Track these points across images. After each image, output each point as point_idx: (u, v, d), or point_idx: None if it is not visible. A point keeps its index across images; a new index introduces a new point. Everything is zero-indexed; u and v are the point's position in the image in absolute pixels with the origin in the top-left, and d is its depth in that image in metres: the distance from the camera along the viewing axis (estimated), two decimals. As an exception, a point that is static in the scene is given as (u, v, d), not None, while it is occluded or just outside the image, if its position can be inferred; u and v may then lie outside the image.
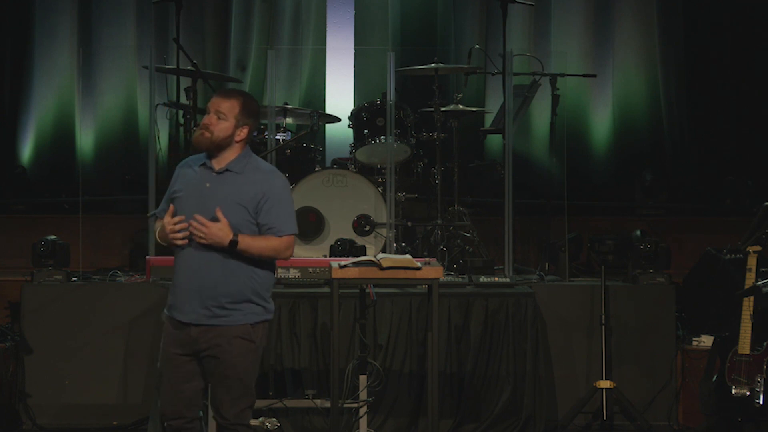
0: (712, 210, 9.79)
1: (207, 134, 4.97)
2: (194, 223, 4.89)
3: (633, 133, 10.44)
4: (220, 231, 4.88)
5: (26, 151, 10.36)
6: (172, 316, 4.99)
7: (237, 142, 5.01)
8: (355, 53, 10.11)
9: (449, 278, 7.37)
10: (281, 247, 5.00)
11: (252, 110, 5.05)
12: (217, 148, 4.99)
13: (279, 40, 10.31)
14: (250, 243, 4.92)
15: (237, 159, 5.02)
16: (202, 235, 4.88)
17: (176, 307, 4.97)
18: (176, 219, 4.92)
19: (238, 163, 5.01)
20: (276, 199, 5.00)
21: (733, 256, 7.44)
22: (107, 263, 8.45)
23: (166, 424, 5.04)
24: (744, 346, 6.48)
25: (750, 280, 6.52)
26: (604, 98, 10.43)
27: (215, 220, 4.89)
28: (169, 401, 5.01)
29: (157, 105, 8.08)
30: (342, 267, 5.89)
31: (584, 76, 9.57)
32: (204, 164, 5.02)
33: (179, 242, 4.92)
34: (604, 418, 7.18)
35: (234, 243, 4.88)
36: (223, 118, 4.98)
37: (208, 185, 4.98)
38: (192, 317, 4.94)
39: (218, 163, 5.00)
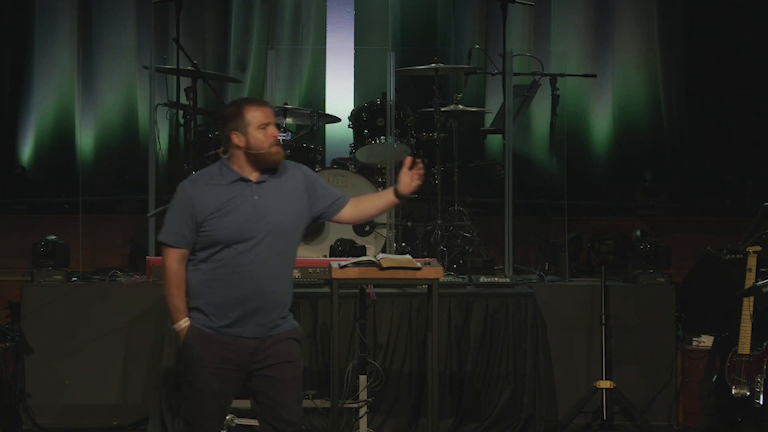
0: (712, 210, 9.78)
1: (281, 149, 4.83)
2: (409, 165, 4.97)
3: (633, 133, 10.44)
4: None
5: (26, 151, 10.36)
6: (222, 333, 4.71)
7: None
8: (355, 53, 10.10)
9: (449, 278, 7.37)
10: None
11: None
12: None
13: (279, 40, 10.31)
14: None
15: None
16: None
17: (235, 323, 4.71)
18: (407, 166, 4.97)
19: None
20: (316, 176, 4.96)
21: (733, 256, 7.44)
22: (107, 263, 8.43)
23: None
24: (744, 346, 6.48)
25: (750, 280, 6.52)
26: (604, 98, 10.43)
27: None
28: (209, 415, 4.77)
29: (157, 105, 8.08)
30: (342, 267, 5.89)
31: (584, 76, 9.57)
32: (237, 181, 4.76)
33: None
34: (604, 418, 7.19)
35: None
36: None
37: (256, 197, 4.75)
38: (257, 331, 4.74)
39: (255, 174, 4.78)
